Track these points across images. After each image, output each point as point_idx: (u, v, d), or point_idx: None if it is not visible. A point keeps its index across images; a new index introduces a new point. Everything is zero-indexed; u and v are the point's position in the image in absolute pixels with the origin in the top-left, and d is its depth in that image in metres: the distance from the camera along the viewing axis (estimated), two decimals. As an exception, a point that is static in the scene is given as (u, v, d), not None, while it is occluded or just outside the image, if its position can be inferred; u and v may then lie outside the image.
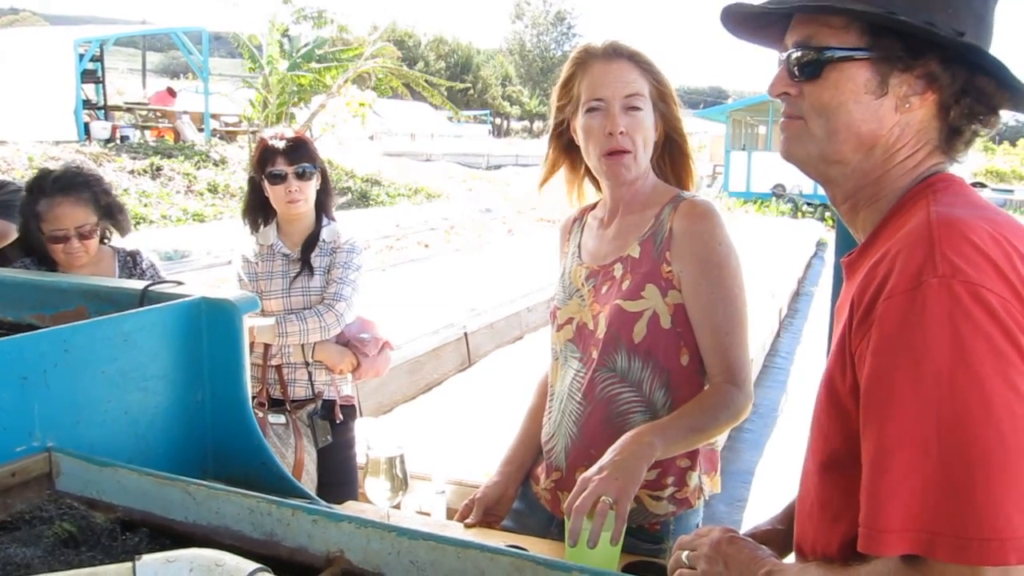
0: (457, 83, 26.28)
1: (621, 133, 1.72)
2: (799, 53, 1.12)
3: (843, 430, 1.06)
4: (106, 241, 2.71)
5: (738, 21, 1.20)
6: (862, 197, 1.15)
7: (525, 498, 1.94)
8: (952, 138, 1.11)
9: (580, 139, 1.79)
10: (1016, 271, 0.94)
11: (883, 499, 0.94)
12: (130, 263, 2.75)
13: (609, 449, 1.55)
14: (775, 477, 4.95)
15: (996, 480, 0.88)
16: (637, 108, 1.74)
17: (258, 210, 2.83)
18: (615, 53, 1.76)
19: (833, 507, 1.10)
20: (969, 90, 1.07)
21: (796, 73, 1.13)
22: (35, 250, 2.62)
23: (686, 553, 1.26)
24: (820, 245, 16.57)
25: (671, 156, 1.87)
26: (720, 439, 1.88)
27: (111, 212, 2.68)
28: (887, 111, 1.09)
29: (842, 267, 1.22)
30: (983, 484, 0.88)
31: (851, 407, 1.04)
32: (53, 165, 2.83)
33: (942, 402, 0.90)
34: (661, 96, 1.78)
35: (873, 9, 1.05)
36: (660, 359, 1.73)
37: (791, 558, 1.27)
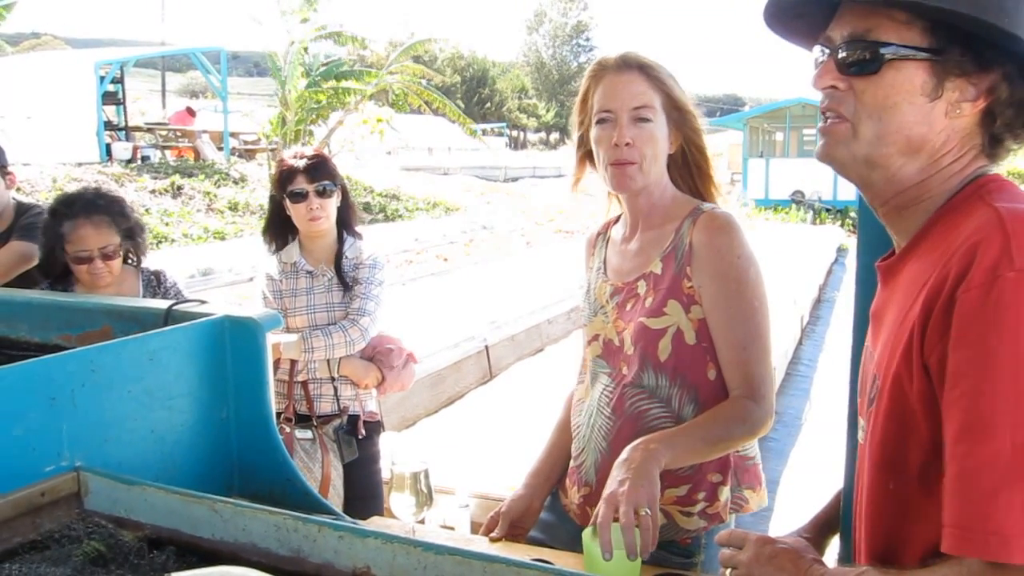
0: (475, 113, 26.55)
1: (627, 144, 1.72)
2: (855, 46, 1.07)
3: (911, 435, 1.04)
4: (130, 261, 2.74)
5: (777, 9, 1.16)
6: (905, 199, 1.12)
7: (554, 509, 1.93)
8: (994, 145, 1.09)
9: (593, 150, 1.80)
10: None
11: (978, 500, 0.91)
12: (154, 282, 2.77)
13: (618, 461, 1.53)
14: (800, 486, 4.91)
15: None
16: (646, 119, 1.74)
17: (280, 228, 2.86)
18: (626, 65, 1.76)
19: (895, 513, 1.09)
20: (1015, 102, 1.05)
21: (848, 67, 1.08)
22: (55, 274, 2.64)
23: (729, 572, 1.23)
24: (841, 251, 16.45)
25: (695, 167, 1.86)
26: (753, 450, 1.86)
27: (132, 233, 2.71)
28: (938, 115, 1.06)
29: (877, 271, 1.19)
30: None
31: (920, 413, 1.02)
32: (75, 186, 2.86)
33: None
34: (675, 107, 1.77)
35: (942, 4, 1.01)
36: (687, 375, 1.71)
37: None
